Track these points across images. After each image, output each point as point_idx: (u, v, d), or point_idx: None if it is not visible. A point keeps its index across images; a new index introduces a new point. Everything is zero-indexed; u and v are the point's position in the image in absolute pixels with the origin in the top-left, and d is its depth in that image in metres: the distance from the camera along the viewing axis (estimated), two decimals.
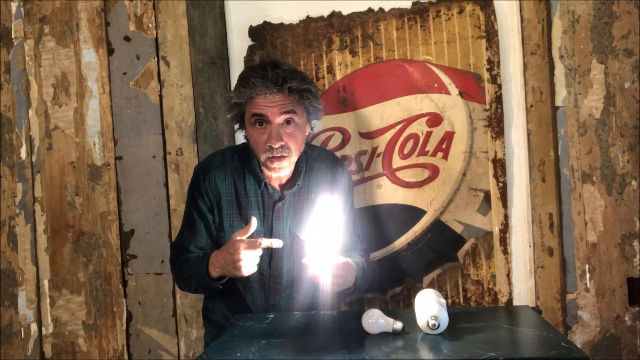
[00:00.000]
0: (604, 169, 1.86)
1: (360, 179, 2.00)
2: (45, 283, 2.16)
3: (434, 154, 1.96)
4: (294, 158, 1.53)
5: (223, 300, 1.64)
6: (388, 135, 1.98)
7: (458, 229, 1.96)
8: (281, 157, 1.49)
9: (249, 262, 1.42)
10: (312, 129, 1.60)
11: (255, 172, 1.57)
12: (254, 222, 1.45)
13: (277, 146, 1.47)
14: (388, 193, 1.99)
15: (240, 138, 2.01)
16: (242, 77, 1.52)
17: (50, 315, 2.16)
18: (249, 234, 1.44)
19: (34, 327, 2.16)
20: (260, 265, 1.47)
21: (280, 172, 1.53)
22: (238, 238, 1.43)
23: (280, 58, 1.53)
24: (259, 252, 1.43)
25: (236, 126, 1.60)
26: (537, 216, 1.91)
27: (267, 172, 1.57)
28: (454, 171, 1.95)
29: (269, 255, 1.56)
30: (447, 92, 1.94)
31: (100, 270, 2.13)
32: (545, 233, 1.91)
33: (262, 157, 1.50)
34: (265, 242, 1.43)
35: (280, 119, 1.47)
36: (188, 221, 1.61)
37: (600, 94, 1.86)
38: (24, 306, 2.17)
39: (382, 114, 1.98)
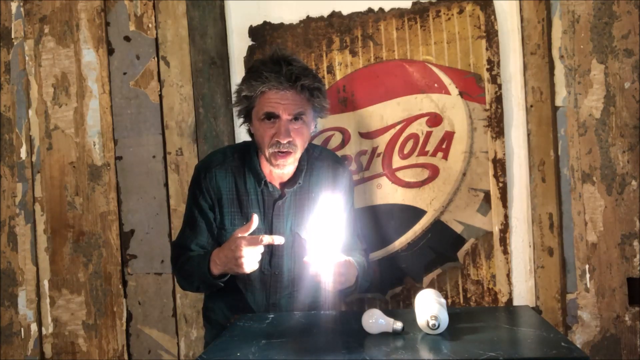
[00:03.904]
0: (604, 169, 1.86)
1: (360, 179, 2.00)
2: (45, 283, 2.16)
3: (434, 154, 1.96)
4: (298, 154, 1.53)
5: (223, 299, 1.64)
6: (388, 136, 1.98)
7: (458, 229, 1.96)
8: (287, 154, 1.49)
9: (250, 259, 1.42)
10: (315, 126, 1.60)
11: (256, 170, 1.57)
12: (256, 220, 1.46)
13: (284, 142, 1.47)
14: (388, 193, 1.99)
15: (240, 137, 2.02)
16: (253, 70, 1.51)
17: (50, 315, 2.16)
18: (251, 231, 1.45)
19: (34, 327, 2.16)
20: (261, 263, 1.47)
21: (284, 168, 1.53)
22: (240, 235, 1.43)
23: (291, 54, 1.53)
24: (261, 249, 1.44)
25: (240, 120, 1.59)
26: (537, 216, 1.91)
27: (266, 170, 1.57)
28: (454, 171, 1.95)
29: (270, 253, 1.56)
30: (447, 92, 1.94)
31: (100, 270, 2.13)
32: (545, 233, 1.91)
33: (268, 152, 1.50)
34: (267, 239, 1.43)
35: (290, 116, 1.48)
36: (189, 219, 1.61)
37: (600, 94, 1.86)
38: (24, 306, 2.17)
39: (382, 114, 1.98)
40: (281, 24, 2.03)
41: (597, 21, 1.85)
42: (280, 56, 1.49)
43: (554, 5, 1.86)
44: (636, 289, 1.85)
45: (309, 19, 2.01)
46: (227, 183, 1.58)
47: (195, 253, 1.58)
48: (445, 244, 1.96)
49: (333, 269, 1.41)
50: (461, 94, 1.93)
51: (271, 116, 1.48)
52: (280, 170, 1.54)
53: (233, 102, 1.57)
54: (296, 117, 1.49)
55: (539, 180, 1.91)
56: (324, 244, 1.40)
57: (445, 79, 1.94)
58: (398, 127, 1.97)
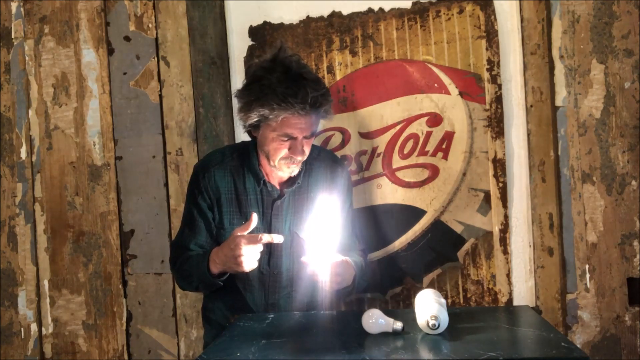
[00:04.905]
0: (604, 169, 1.86)
1: (360, 179, 2.00)
2: (45, 283, 2.16)
3: (434, 154, 1.96)
4: (305, 158, 1.55)
5: (223, 299, 1.64)
6: (388, 135, 1.98)
7: (458, 229, 1.96)
8: (298, 162, 1.52)
9: (249, 258, 1.43)
10: None
11: (255, 170, 1.57)
12: (255, 219, 1.46)
13: (300, 158, 1.50)
14: (388, 193, 1.99)
15: (240, 137, 2.02)
16: (274, 91, 1.41)
17: (50, 315, 2.16)
18: (250, 230, 1.45)
19: (34, 327, 2.16)
20: (259, 263, 1.48)
21: (293, 172, 1.55)
22: (239, 234, 1.44)
23: (304, 67, 1.49)
24: (260, 247, 1.44)
25: (240, 122, 1.55)
26: (537, 216, 1.91)
27: (265, 170, 1.57)
28: (454, 171, 1.95)
29: (268, 253, 1.57)
30: (447, 92, 1.94)
31: (100, 270, 2.13)
32: (545, 233, 1.91)
33: (278, 163, 1.51)
34: (266, 238, 1.44)
35: (306, 135, 1.49)
36: (188, 219, 1.61)
37: (600, 94, 1.86)
38: (24, 306, 2.17)
39: (382, 114, 1.98)
40: (281, 24, 2.03)
41: (597, 21, 1.85)
42: (296, 73, 1.44)
43: (554, 5, 1.86)
44: (636, 289, 1.85)
45: (309, 19, 2.01)
46: (225, 183, 1.58)
47: (194, 253, 1.58)
48: (445, 244, 1.96)
49: (330, 269, 1.42)
50: (461, 94, 1.93)
51: (289, 137, 1.48)
52: (287, 175, 1.55)
53: (244, 113, 1.49)
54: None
55: (539, 180, 1.91)
56: (322, 244, 1.41)
57: (445, 79, 1.94)
58: (398, 127, 1.97)
